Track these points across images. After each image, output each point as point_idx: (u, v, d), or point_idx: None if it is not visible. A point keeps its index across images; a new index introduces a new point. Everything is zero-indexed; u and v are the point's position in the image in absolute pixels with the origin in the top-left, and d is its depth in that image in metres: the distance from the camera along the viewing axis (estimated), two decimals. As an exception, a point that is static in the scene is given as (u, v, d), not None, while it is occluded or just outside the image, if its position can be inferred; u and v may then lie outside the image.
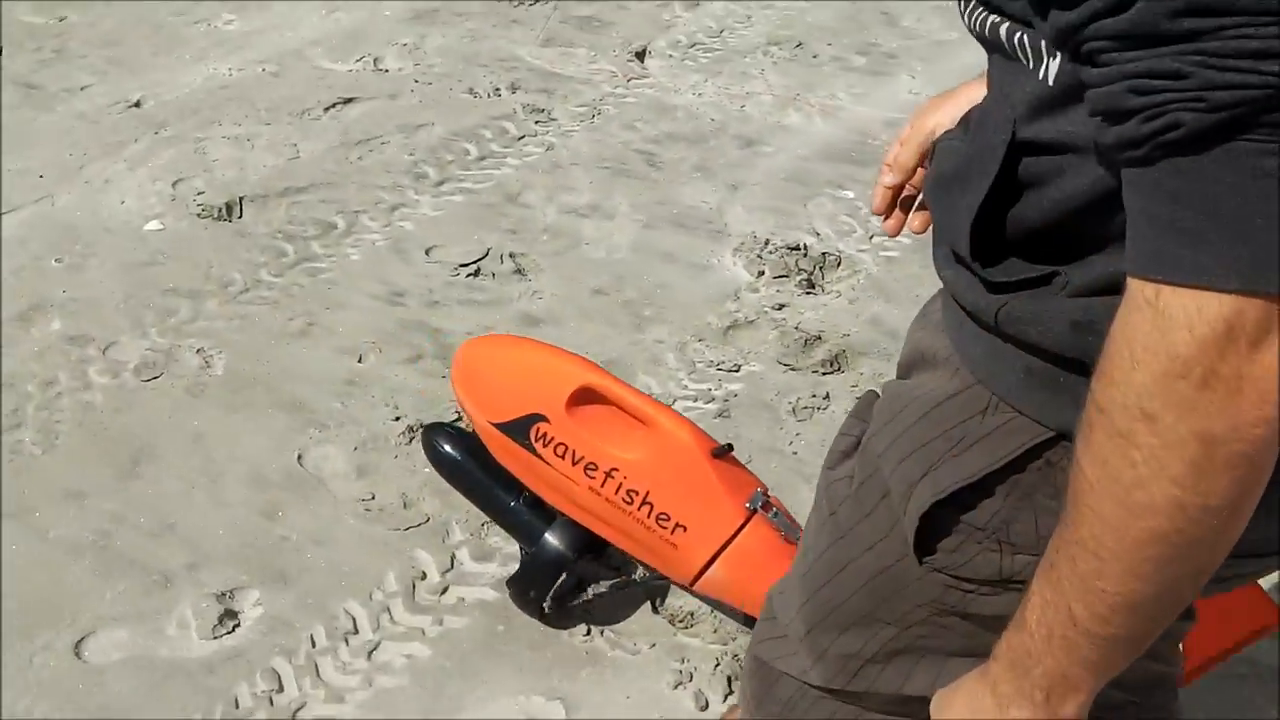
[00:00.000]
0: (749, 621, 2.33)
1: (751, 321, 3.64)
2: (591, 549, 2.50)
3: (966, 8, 1.13)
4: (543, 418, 2.35)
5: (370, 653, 2.68)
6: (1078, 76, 0.95)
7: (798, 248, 3.92)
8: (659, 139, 4.49)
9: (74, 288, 3.62)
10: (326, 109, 4.55)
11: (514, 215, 4.04)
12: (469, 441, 2.67)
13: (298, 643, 2.67)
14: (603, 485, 2.29)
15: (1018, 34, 1.05)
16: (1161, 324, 0.90)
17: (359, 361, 3.43)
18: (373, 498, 3.03)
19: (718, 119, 4.61)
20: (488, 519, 2.82)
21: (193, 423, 3.20)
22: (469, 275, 3.77)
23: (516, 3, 5.33)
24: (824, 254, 3.91)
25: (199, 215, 3.96)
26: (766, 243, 3.94)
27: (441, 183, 4.19)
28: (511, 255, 3.85)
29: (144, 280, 3.67)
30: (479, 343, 2.56)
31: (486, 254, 3.83)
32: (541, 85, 4.75)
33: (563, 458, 2.35)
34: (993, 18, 1.08)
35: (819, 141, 4.48)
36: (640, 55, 4.97)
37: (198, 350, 3.44)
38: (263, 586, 2.80)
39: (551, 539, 2.52)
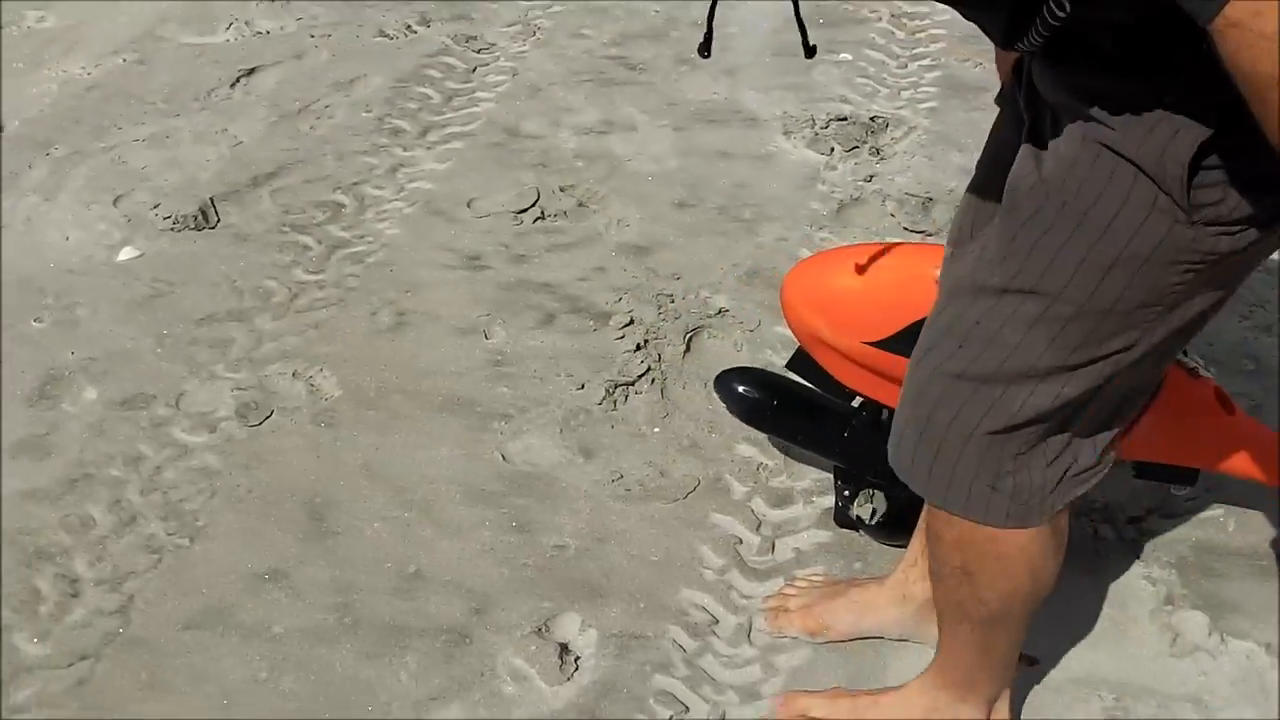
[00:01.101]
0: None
1: (857, 199, 3.33)
2: None
3: None
4: None
5: (749, 635, 2.25)
6: None
7: (844, 119, 3.62)
8: (619, 40, 4.08)
9: (83, 346, 2.91)
10: (232, 85, 3.87)
11: (531, 148, 3.54)
12: (773, 379, 2.46)
13: (666, 654, 2.22)
14: None
15: None
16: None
17: (487, 338, 2.90)
18: (621, 476, 2.56)
19: (659, 10, 4.21)
20: (761, 454, 2.61)
21: (350, 455, 2.61)
22: (535, 220, 3.27)
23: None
24: (871, 119, 3.63)
25: (174, 229, 3.27)
26: (812, 120, 3.61)
27: (425, 132, 3.64)
28: (562, 189, 3.37)
29: (163, 316, 2.99)
30: (813, 266, 2.24)
31: (538, 195, 3.32)
32: (453, 12, 4.23)
33: None
34: None
35: (774, 14, 4.15)
36: (534, -39, 4.48)
37: (293, 374, 2.82)
38: (578, 607, 2.31)
39: None
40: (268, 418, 2.71)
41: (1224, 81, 1.18)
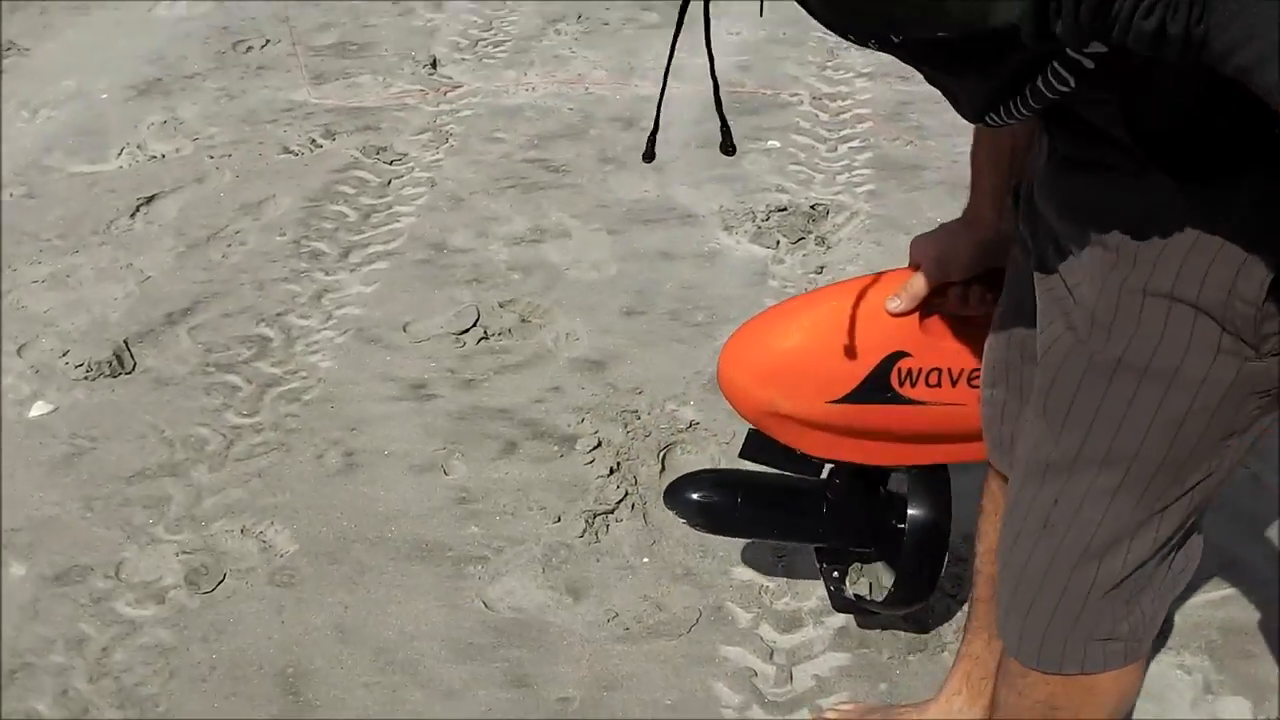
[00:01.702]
0: None
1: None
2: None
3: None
4: (902, 354, 1.88)
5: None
6: None
7: (784, 209, 3.52)
8: (536, 143, 3.93)
9: (3, 516, 2.64)
10: (132, 214, 3.64)
11: (462, 263, 3.37)
12: (727, 476, 2.35)
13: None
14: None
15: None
16: None
17: (447, 474, 2.71)
18: (616, 615, 2.38)
19: (574, 108, 4.09)
20: (760, 575, 2.45)
21: (317, 617, 2.40)
22: (479, 341, 3.09)
23: (243, 50, 4.50)
24: (812, 207, 3.52)
25: (88, 379, 3.02)
26: (752, 213, 3.50)
27: (346, 253, 3.44)
28: (501, 305, 3.20)
29: (88, 476, 2.74)
30: (749, 336, 1.97)
31: (478, 313, 3.15)
32: (358, 123, 4.05)
33: (937, 384, 1.91)
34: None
35: (694, 104, 4.03)
36: (434, 65, 4.32)
37: (242, 531, 2.59)
38: (594, 769, 2.11)
39: (920, 510, 2.07)
40: (220, 582, 2.48)
41: None
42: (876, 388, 1.87)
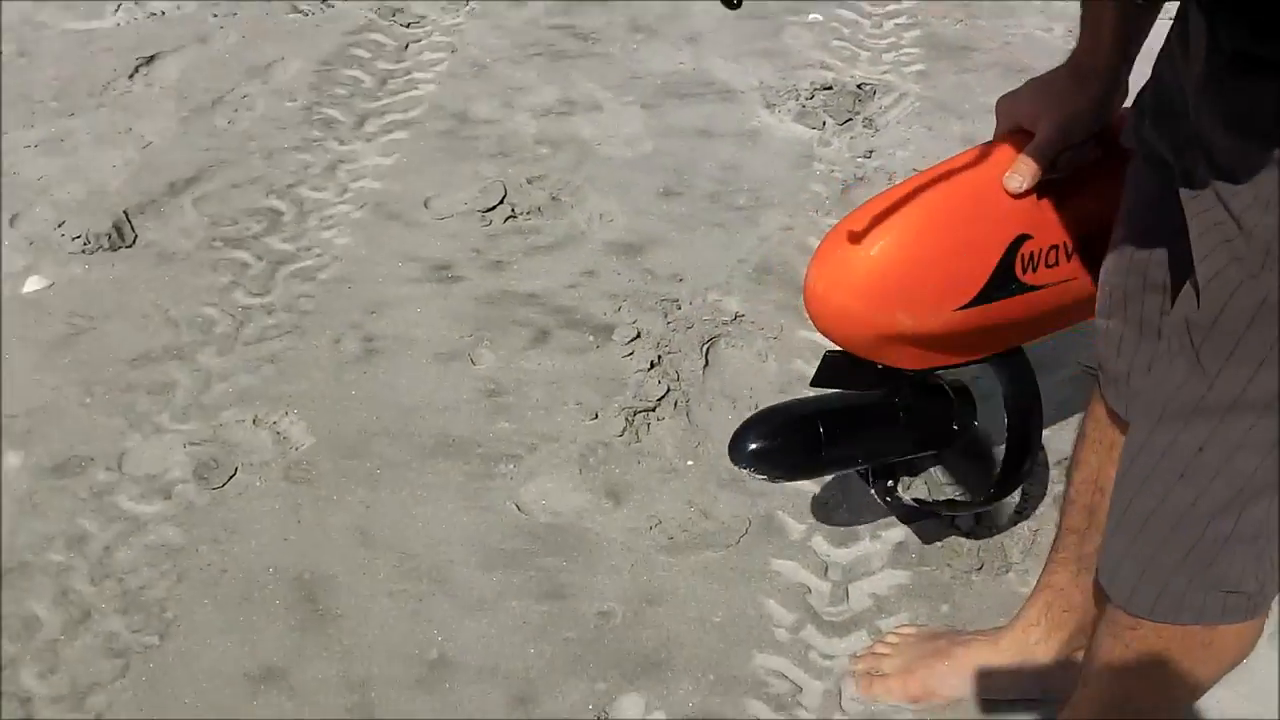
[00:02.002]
0: None
1: (861, 178, 2.99)
2: None
3: None
4: (1025, 237, 1.66)
5: (840, 704, 1.95)
6: None
7: (829, 87, 3.28)
8: (563, 8, 3.67)
9: (-7, 398, 2.45)
10: (130, 75, 3.40)
11: (486, 135, 3.14)
12: (794, 410, 1.94)
13: (753, 735, 1.87)
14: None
15: None
16: None
17: (475, 364, 2.51)
18: (660, 522, 2.21)
19: (602, -30, 3.82)
20: (813, 484, 2.25)
21: (337, 518, 2.22)
22: (506, 219, 2.88)
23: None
24: (859, 86, 3.29)
25: (86, 251, 2.81)
26: (795, 90, 3.27)
27: (362, 122, 3.22)
28: (530, 181, 2.99)
29: (88, 359, 2.55)
30: (848, 250, 1.64)
31: (504, 190, 2.93)
32: (373, -17, 3.77)
33: (1055, 263, 1.71)
34: None
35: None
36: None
37: (254, 421, 2.40)
38: (638, 685, 1.97)
39: (1018, 396, 1.88)
40: (231, 477, 2.30)
41: None
42: (1004, 281, 1.66)
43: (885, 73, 3.37)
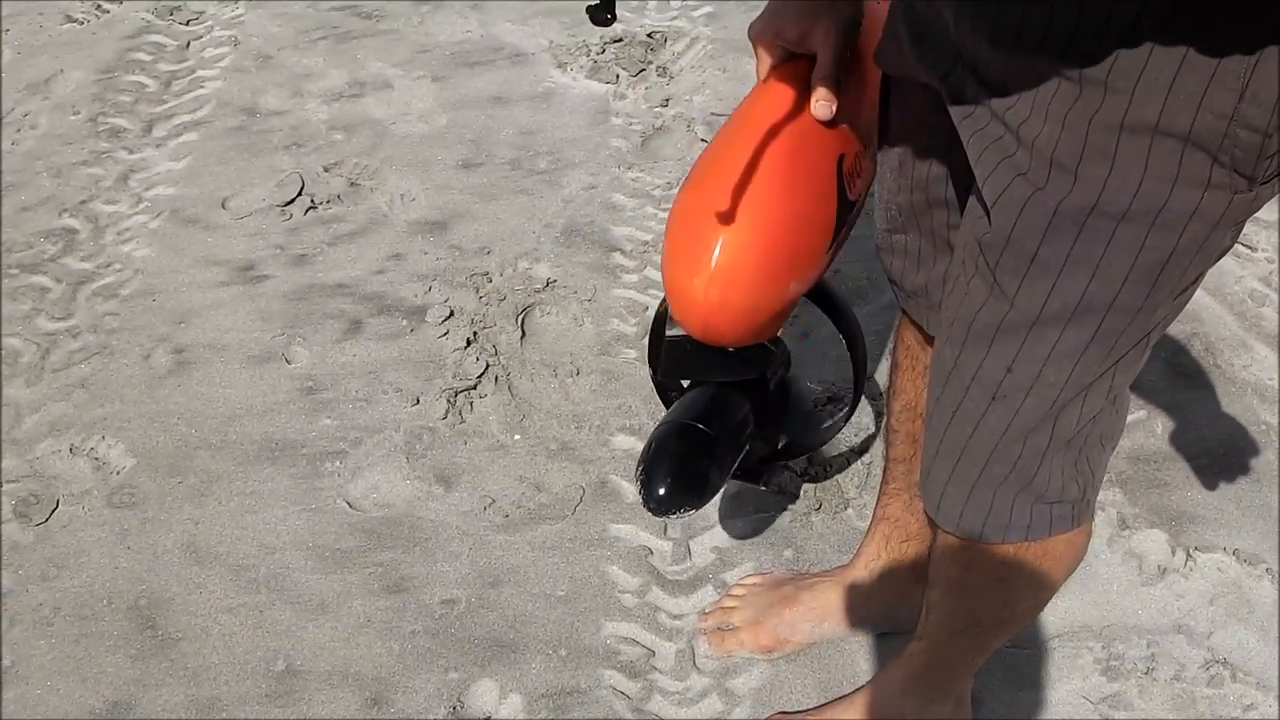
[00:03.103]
0: None
1: (659, 127, 3.01)
2: None
3: None
4: (841, 156, 1.54)
5: (694, 661, 1.98)
6: None
7: (619, 40, 3.28)
8: (341, -13, 3.62)
9: None
10: (-100, 105, 3.26)
11: (278, 127, 3.09)
12: (679, 434, 1.67)
13: (609, 705, 1.94)
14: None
15: None
16: None
17: (289, 363, 2.49)
18: (493, 501, 2.22)
19: (379, -56, 3.76)
20: (641, 442, 2.21)
21: (166, 538, 2.20)
22: (306, 211, 2.84)
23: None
24: (649, 35, 3.30)
25: (-128, 295, 2.71)
26: (585, 46, 3.27)
27: (149, 128, 3.14)
28: (326, 170, 2.95)
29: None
30: (713, 239, 1.47)
31: (302, 181, 2.89)
32: (144, -18, 3.67)
33: (861, 172, 1.59)
34: None
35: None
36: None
37: (70, 450, 2.36)
38: (490, 671, 1.99)
39: (846, 315, 1.75)
40: (54, 511, 2.25)
41: None
42: (844, 205, 1.55)
43: (674, 19, 3.38)
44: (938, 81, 1.24)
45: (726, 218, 1.45)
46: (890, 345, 2.16)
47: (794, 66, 1.56)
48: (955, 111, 1.21)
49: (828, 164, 1.54)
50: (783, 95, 1.54)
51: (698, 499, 1.63)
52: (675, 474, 1.61)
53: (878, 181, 1.55)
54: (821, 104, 1.49)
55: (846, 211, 1.58)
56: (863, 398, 1.99)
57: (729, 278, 1.45)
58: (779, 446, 1.89)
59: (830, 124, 1.53)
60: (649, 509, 1.61)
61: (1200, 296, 2.47)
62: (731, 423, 1.69)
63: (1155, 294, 1.17)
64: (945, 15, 1.19)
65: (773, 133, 1.50)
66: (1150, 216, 1.10)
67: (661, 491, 1.60)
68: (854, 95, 1.60)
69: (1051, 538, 1.40)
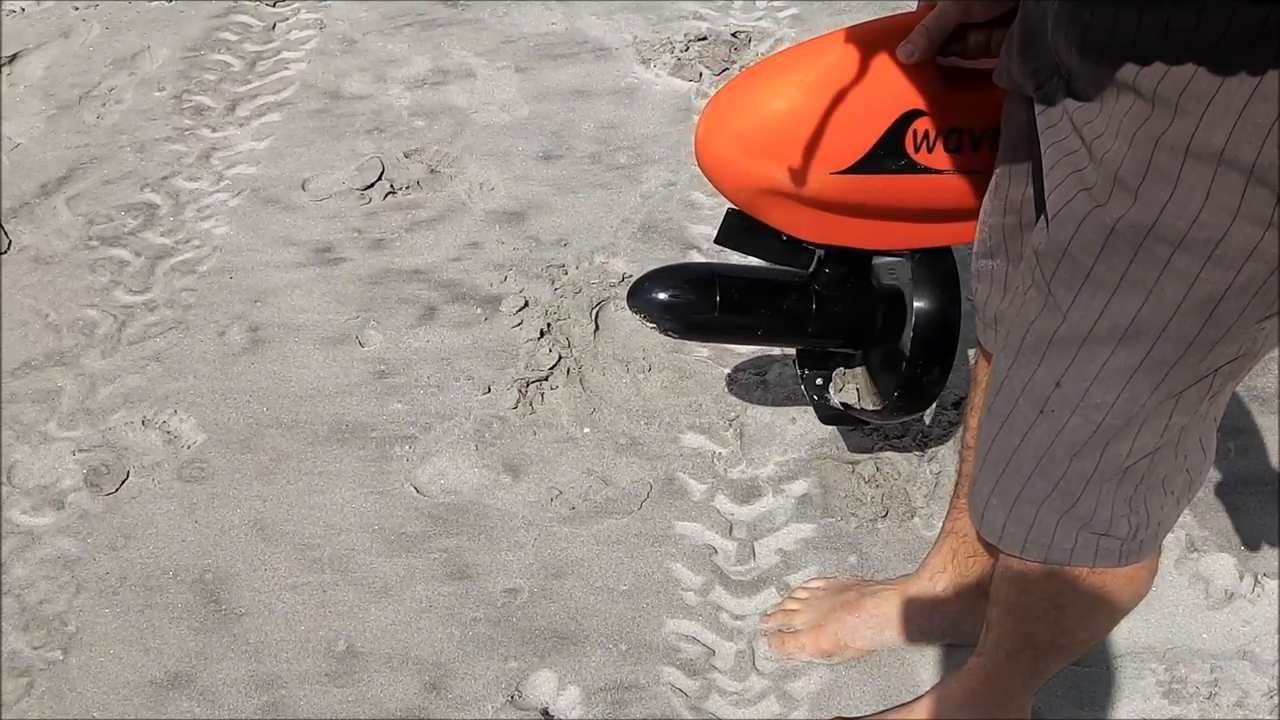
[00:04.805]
0: None
1: (739, 126, 2.97)
2: None
3: None
4: (917, 113, 1.60)
5: (754, 663, 1.95)
6: None
7: (704, 38, 3.27)
8: (430, -25, 3.62)
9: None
10: (-9, 74, 3.30)
11: (360, 111, 3.10)
12: (701, 271, 1.91)
13: (666, 702, 1.92)
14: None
15: None
16: None
17: (363, 346, 2.50)
18: (560, 493, 2.21)
19: (468, -66, 3.77)
20: (711, 441, 2.25)
21: (234, 514, 2.20)
22: (385, 196, 2.85)
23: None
24: (733, 35, 3.28)
25: (-44, 260, 2.74)
26: (669, 43, 3.26)
27: (233, 107, 3.16)
28: (407, 156, 2.96)
29: (-35, 369, 2.49)
30: (735, 98, 1.64)
31: (382, 166, 2.90)
32: (235, -38, 3.70)
33: (957, 148, 1.65)
34: None
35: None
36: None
37: (143, 422, 2.37)
38: (550, 661, 1.97)
39: (927, 301, 1.83)
40: (124, 481, 2.26)
41: None
42: (890, 154, 1.60)
43: (759, 19, 3.36)
44: (1034, 91, 1.23)
45: (748, 81, 1.60)
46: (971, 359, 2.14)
47: (925, 11, 1.57)
48: (1041, 120, 1.20)
49: (889, 104, 1.58)
50: (891, 28, 1.56)
51: (664, 322, 1.83)
52: (663, 290, 1.82)
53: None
54: (907, 46, 1.52)
55: (889, 160, 1.60)
56: (934, 404, 1.99)
57: (716, 122, 1.61)
58: (869, 407, 1.98)
59: (922, 76, 1.53)
60: (628, 298, 1.85)
61: None
62: (743, 296, 1.84)
63: (1209, 330, 1.14)
64: (1049, 22, 1.17)
65: (851, 47, 1.56)
66: (1208, 248, 1.08)
67: (643, 294, 1.83)
68: (959, 77, 1.60)
69: (1106, 569, 1.37)
